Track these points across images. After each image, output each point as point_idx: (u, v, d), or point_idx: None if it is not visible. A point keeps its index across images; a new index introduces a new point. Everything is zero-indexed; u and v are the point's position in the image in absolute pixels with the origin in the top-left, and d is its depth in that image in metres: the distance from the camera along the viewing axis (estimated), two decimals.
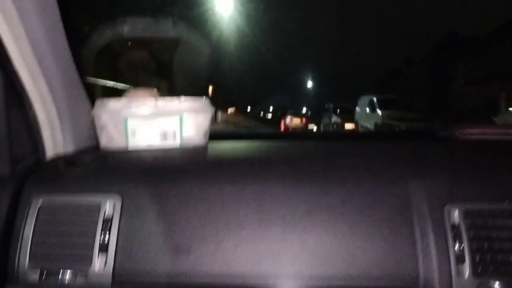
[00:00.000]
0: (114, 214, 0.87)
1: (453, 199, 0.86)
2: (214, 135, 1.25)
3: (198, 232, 0.85)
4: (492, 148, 1.12)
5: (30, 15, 0.88)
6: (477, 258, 0.82)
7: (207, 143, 1.18)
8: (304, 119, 16.76)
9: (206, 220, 0.86)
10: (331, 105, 16.17)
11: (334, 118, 15.16)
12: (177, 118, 1.12)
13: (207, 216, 0.86)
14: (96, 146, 1.16)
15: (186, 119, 1.12)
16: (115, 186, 0.91)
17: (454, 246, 0.82)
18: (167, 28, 1.39)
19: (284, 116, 17.58)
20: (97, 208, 0.88)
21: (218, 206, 0.87)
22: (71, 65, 1.07)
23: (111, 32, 1.34)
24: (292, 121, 16.38)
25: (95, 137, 1.16)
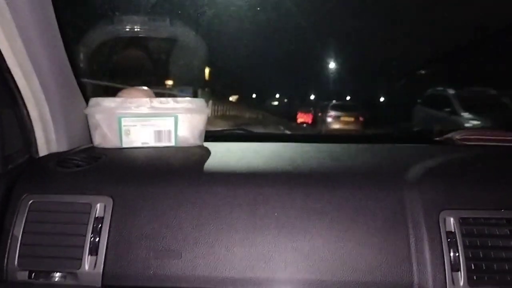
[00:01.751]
0: (105, 216, 0.86)
1: (449, 206, 0.85)
2: (210, 136, 1.24)
3: (190, 235, 0.84)
4: (490, 154, 1.11)
5: (23, 12, 0.87)
6: (472, 266, 0.81)
7: (202, 144, 1.17)
8: (360, 117, 10.14)
9: (198, 223, 0.85)
10: (453, 92, 7.30)
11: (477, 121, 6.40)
12: (172, 118, 1.10)
13: (199, 219, 0.85)
14: (90, 145, 1.15)
15: (181, 119, 1.11)
16: (107, 187, 0.90)
17: (449, 254, 0.81)
18: (164, 27, 1.37)
19: (319, 110, 11.07)
20: (88, 209, 0.87)
21: (210, 209, 0.86)
22: (65, 63, 1.05)
23: (107, 30, 1.32)
24: (338, 120, 10.24)
25: (89, 136, 1.15)
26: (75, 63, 1.11)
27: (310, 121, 11.80)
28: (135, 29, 1.32)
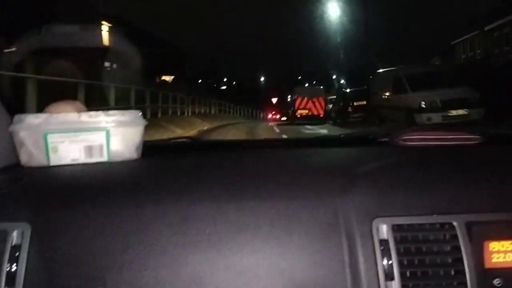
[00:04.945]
0: (23, 244, 0.80)
1: (382, 213, 0.84)
2: (152, 147, 1.18)
3: (116, 261, 0.79)
4: (428, 156, 1.11)
5: None
6: (407, 273, 0.80)
7: (139, 158, 1.12)
8: None
9: (125, 246, 0.80)
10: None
11: None
12: (103, 132, 1.05)
13: (126, 242, 0.80)
14: (17, 164, 1.08)
15: (114, 133, 1.06)
16: (25, 212, 0.83)
17: (383, 262, 0.80)
18: (96, 35, 1.31)
19: None
20: (4, 238, 0.80)
21: (138, 230, 0.81)
22: None
23: (33, 41, 1.24)
24: None
25: (16, 154, 1.08)
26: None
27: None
28: (65, 39, 1.25)
